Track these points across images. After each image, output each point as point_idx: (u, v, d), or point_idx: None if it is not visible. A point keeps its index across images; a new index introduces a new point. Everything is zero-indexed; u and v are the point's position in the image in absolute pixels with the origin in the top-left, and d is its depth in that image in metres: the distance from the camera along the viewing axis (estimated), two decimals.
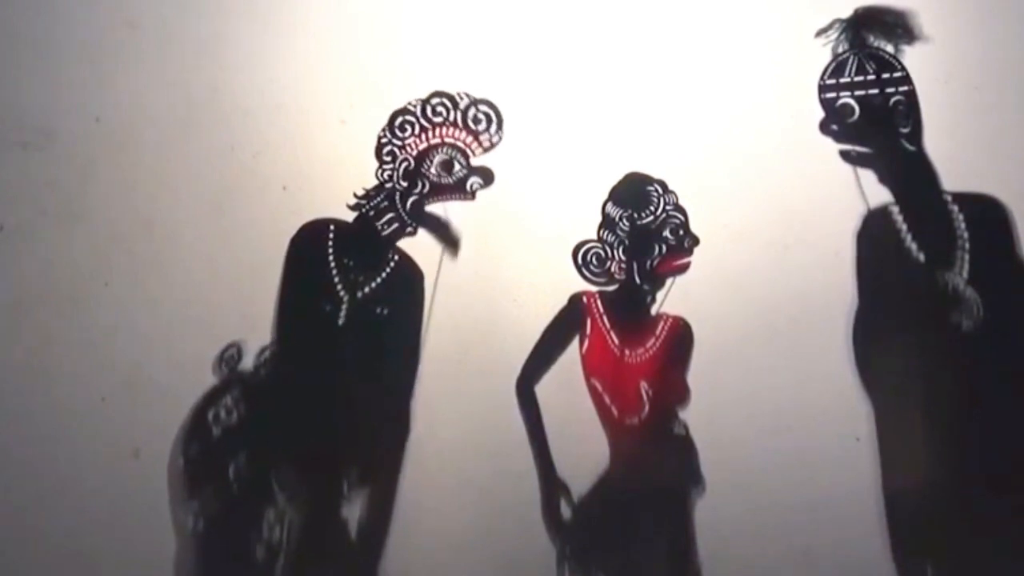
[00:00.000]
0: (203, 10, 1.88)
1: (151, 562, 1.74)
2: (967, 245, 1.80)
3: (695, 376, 1.82)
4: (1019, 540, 1.73)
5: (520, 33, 1.89)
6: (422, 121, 1.87)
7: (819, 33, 1.87)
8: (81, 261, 1.81)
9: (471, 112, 1.87)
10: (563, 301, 1.85)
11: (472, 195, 1.86)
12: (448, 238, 1.84)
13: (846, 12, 1.87)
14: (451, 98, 1.87)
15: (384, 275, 1.85)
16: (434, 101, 1.87)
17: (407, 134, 1.87)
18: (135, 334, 1.80)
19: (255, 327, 1.80)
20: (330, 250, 1.83)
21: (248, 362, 1.79)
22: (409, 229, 1.86)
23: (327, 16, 1.89)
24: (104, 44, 1.86)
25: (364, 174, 1.86)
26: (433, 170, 1.86)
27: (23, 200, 1.82)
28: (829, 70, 1.86)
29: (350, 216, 1.85)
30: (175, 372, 1.79)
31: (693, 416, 1.81)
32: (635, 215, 1.85)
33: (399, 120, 1.87)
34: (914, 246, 1.81)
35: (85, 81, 1.85)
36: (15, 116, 1.83)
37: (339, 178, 1.85)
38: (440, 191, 1.86)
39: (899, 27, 1.85)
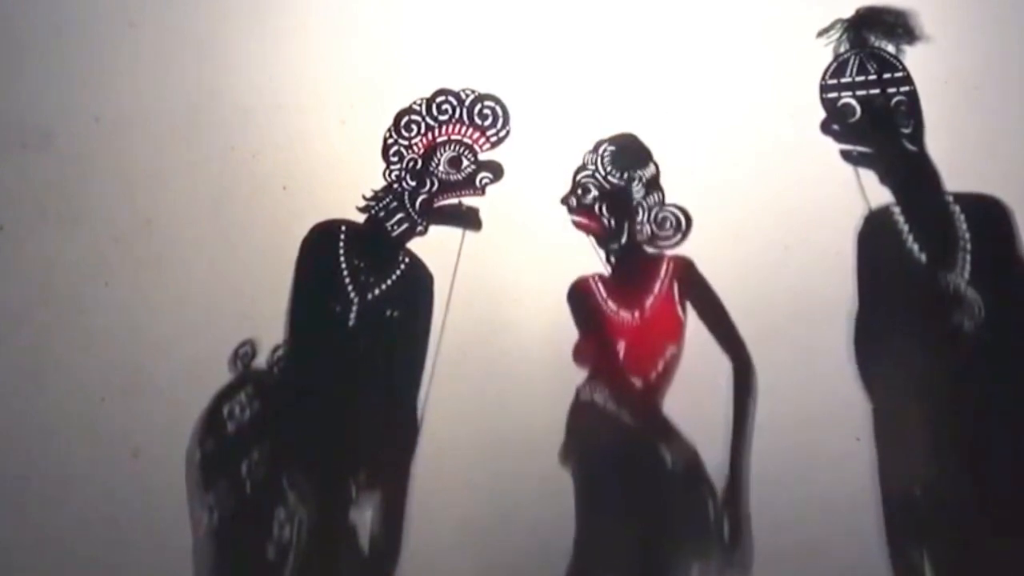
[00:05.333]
0: (203, 10, 1.88)
1: (150, 562, 1.74)
2: (968, 246, 1.79)
3: (694, 375, 1.82)
4: (1018, 540, 1.72)
5: (519, 34, 1.89)
6: (427, 120, 1.86)
7: (820, 33, 1.87)
8: (81, 261, 1.82)
9: (477, 108, 1.86)
10: (563, 301, 1.85)
11: (482, 191, 1.86)
12: (470, 220, 1.83)
13: (847, 12, 1.87)
14: (456, 95, 1.86)
15: (394, 277, 1.84)
16: (439, 99, 1.86)
17: (413, 133, 1.86)
18: (135, 334, 1.80)
19: (257, 326, 1.80)
20: (341, 251, 1.83)
21: (262, 360, 1.80)
22: (419, 229, 1.85)
23: (327, 16, 1.89)
24: (104, 44, 1.87)
25: (364, 174, 1.86)
26: (441, 168, 1.86)
27: (23, 200, 1.82)
28: (830, 70, 1.86)
29: (352, 215, 1.85)
30: (175, 372, 1.79)
31: (693, 415, 1.81)
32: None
33: (404, 120, 1.86)
34: (915, 246, 1.81)
35: (85, 81, 1.85)
36: (15, 116, 1.84)
37: (339, 178, 1.85)
38: (449, 188, 1.86)
39: (900, 27, 1.85)
